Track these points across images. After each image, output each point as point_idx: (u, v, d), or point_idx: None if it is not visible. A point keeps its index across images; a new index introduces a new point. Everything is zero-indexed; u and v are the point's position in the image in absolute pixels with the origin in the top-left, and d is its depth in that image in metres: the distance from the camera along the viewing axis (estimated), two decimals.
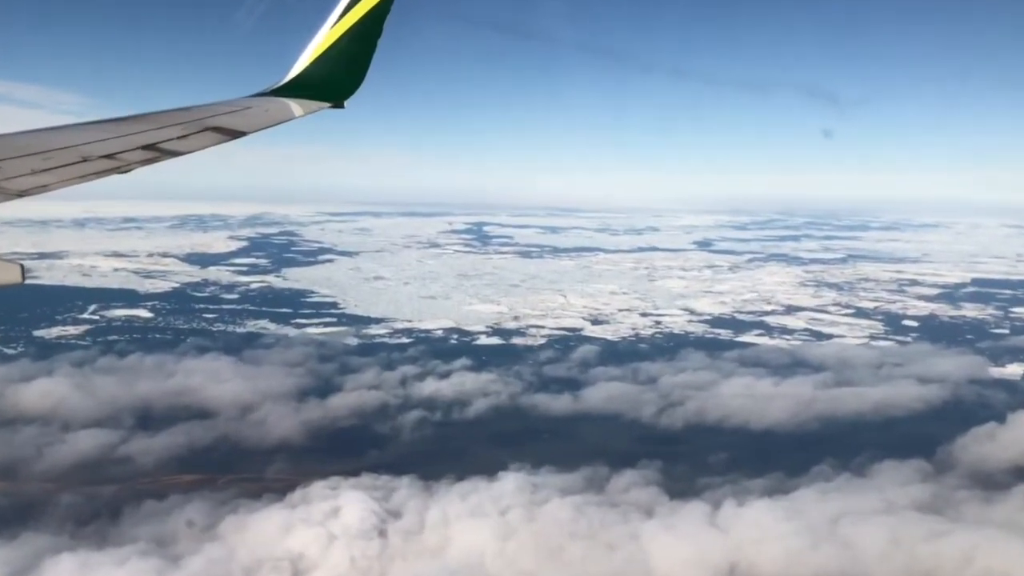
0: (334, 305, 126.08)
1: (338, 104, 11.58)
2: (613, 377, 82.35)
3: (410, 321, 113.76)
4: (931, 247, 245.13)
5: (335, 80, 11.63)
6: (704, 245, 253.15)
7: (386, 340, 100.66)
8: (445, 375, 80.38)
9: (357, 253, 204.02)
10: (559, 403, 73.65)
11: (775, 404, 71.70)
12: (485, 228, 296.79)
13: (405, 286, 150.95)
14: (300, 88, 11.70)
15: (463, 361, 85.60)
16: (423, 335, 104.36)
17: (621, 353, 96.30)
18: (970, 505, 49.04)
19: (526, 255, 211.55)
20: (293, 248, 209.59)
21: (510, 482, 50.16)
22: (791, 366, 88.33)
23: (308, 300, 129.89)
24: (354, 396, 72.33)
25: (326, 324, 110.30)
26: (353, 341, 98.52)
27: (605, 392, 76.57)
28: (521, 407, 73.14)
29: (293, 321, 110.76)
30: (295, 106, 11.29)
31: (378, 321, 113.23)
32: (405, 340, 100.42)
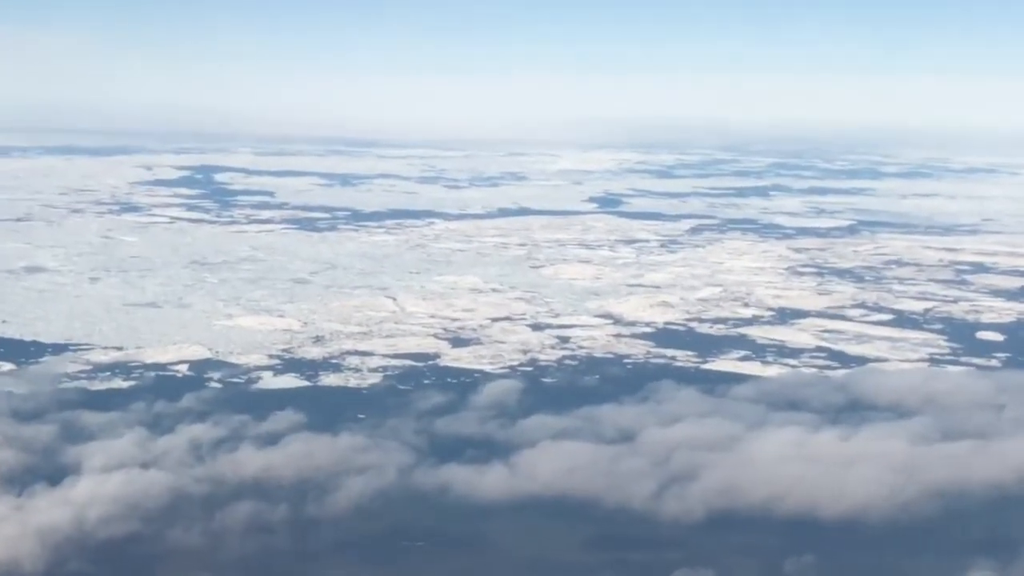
0: None
1: None
2: (558, 432, 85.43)
3: (121, 348, 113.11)
4: (992, 207, 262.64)
5: None
6: (609, 204, 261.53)
7: (85, 384, 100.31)
8: (271, 440, 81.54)
9: None
10: (489, 480, 75.63)
11: (856, 473, 75.83)
12: (218, 176, 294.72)
13: (93, 284, 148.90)
14: None
15: (290, 415, 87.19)
16: (154, 373, 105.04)
17: (551, 391, 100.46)
18: None
19: (307, 226, 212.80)
20: None
21: None
22: (850, 408, 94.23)
23: None
24: (116, 480, 72.09)
25: None
26: (24, 387, 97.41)
27: (556, 458, 79.04)
28: (426, 490, 74.86)
29: None
30: None
31: (58, 349, 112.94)
32: (123, 383, 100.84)
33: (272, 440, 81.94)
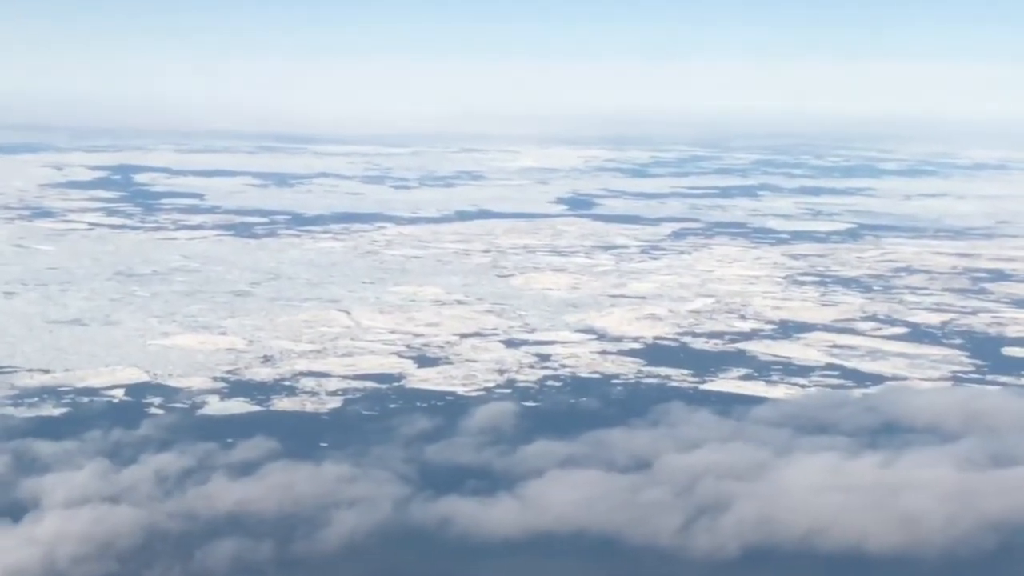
0: None
1: None
2: (565, 460, 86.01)
3: (48, 371, 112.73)
4: (1007, 207, 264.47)
5: None
6: (579, 205, 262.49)
7: (11, 411, 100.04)
8: (244, 470, 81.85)
9: None
10: (496, 515, 75.98)
11: (905, 502, 76.53)
12: (137, 177, 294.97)
13: (8, 299, 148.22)
14: None
15: (260, 443, 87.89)
16: (88, 399, 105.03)
17: (545, 415, 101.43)
18: None
19: (244, 231, 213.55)
20: None
21: None
22: (886, 431, 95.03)
23: None
24: (85, 516, 72.38)
25: None
26: None
27: (568, 489, 79.42)
28: (426, 525, 75.24)
29: None
30: None
31: None
32: (54, 410, 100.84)
33: (245, 470, 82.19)
